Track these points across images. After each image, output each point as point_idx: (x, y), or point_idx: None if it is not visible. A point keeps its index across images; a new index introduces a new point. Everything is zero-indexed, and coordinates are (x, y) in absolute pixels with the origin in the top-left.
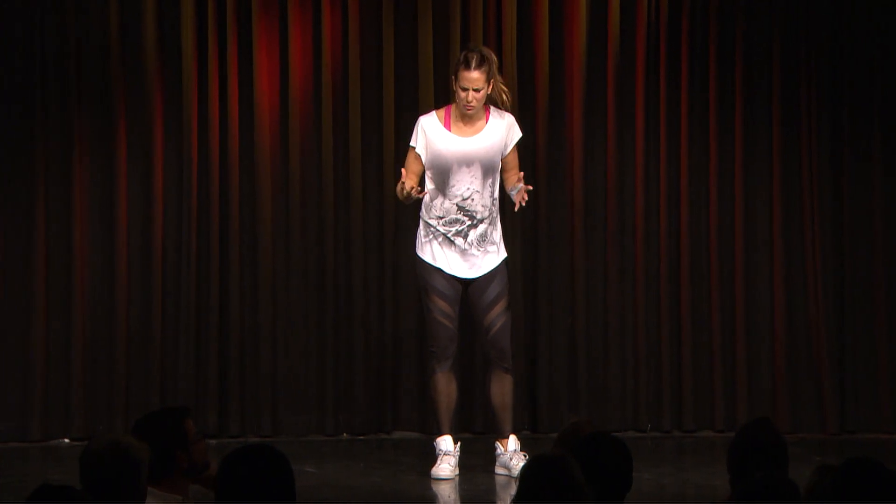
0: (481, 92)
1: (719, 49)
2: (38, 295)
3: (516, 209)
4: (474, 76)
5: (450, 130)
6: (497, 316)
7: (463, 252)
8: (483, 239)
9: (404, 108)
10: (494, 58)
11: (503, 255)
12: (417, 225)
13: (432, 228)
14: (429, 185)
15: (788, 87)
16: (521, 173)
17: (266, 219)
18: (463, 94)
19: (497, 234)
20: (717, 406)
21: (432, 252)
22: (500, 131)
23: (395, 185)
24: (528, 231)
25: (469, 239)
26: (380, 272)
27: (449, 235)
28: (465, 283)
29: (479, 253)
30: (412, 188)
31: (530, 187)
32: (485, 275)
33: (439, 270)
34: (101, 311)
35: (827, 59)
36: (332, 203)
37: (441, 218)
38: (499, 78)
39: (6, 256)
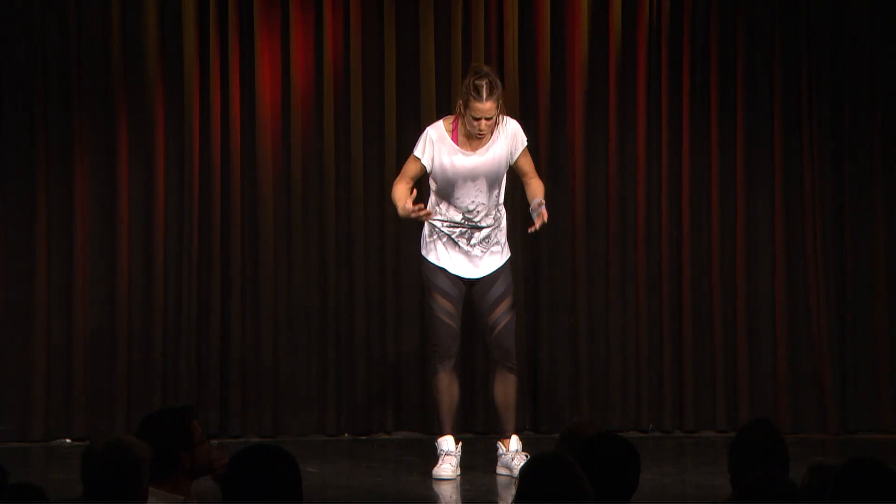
0: (493, 118)
1: (720, 51)
2: (40, 294)
3: (529, 231)
4: (487, 107)
5: (457, 144)
6: (501, 315)
7: (467, 253)
8: (487, 241)
9: (406, 108)
10: (498, 78)
11: (507, 255)
12: (421, 225)
13: (437, 229)
14: (433, 188)
15: (790, 89)
16: (544, 204)
17: (268, 218)
18: (476, 124)
19: (502, 235)
20: (718, 406)
21: (436, 252)
22: (505, 143)
23: (391, 191)
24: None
25: (472, 241)
26: (381, 272)
27: (453, 237)
28: (469, 283)
29: (483, 254)
30: (413, 208)
31: (545, 219)
32: (488, 275)
33: (443, 270)
34: (102, 311)
35: (828, 61)
36: (333, 203)
37: (445, 221)
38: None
39: (7, 256)
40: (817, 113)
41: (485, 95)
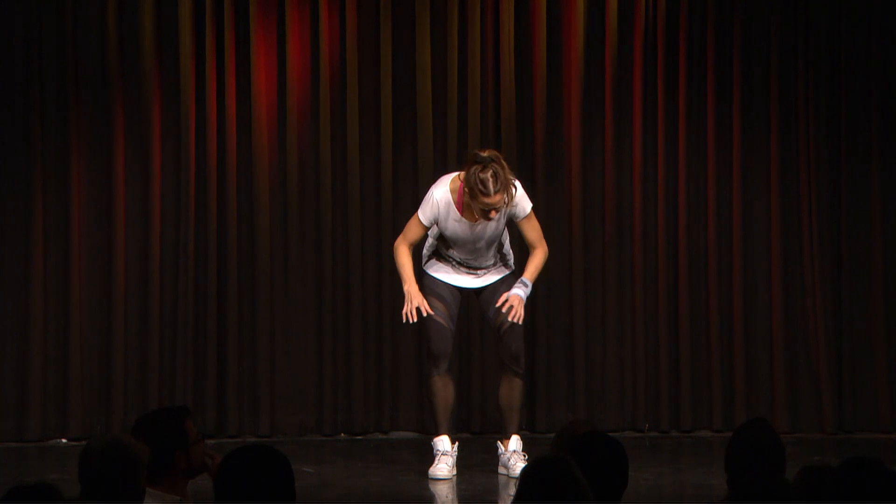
0: (501, 207)
1: (717, 52)
2: (36, 295)
3: (503, 308)
4: (496, 199)
5: (460, 212)
6: (507, 319)
7: (468, 274)
8: (488, 270)
9: (402, 108)
10: (503, 161)
11: (511, 269)
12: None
13: (439, 252)
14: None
15: (786, 90)
16: (526, 293)
17: (264, 219)
18: (483, 213)
19: (506, 259)
20: (714, 406)
21: (438, 270)
22: (506, 212)
23: (396, 253)
24: None
25: (473, 270)
26: (378, 271)
27: (452, 264)
28: (476, 293)
29: (484, 274)
30: (425, 308)
31: (517, 320)
32: (492, 283)
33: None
34: (98, 311)
35: (825, 61)
36: (329, 203)
37: (449, 250)
38: (510, 175)
39: (4, 257)
40: (814, 110)
41: (492, 190)
